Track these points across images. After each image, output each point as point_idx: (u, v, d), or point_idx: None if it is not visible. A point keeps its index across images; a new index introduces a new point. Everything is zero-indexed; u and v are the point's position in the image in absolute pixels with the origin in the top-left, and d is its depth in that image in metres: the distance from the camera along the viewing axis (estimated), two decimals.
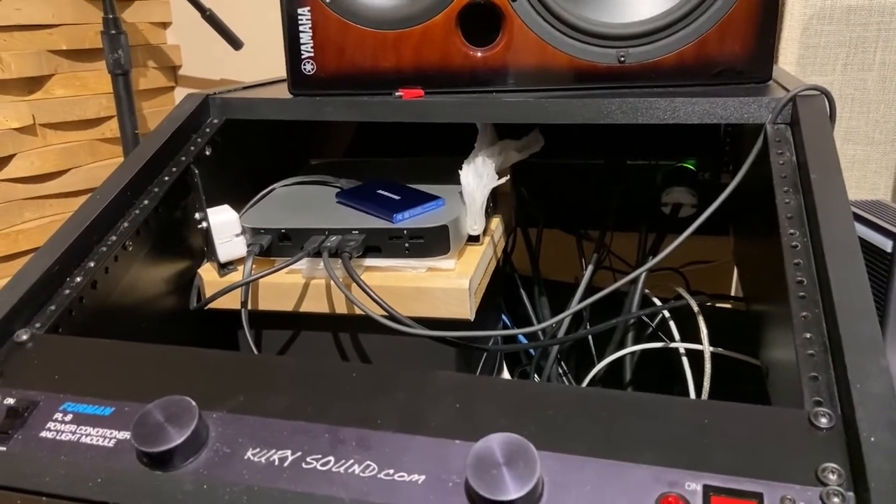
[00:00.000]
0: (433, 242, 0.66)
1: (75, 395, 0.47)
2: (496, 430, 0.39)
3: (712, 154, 0.87)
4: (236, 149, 0.77)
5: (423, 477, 0.40)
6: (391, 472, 0.40)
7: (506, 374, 0.87)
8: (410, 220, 0.68)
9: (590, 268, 0.81)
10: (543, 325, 0.65)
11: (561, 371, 0.84)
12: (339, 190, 0.75)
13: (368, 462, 0.41)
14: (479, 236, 0.72)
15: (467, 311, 0.66)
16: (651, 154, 0.87)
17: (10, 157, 1.27)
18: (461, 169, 0.71)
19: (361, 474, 0.40)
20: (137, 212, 0.63)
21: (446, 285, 0.66)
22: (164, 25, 1.56)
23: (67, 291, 0.56)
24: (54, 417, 0.46)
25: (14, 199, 1.29)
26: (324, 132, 0.97)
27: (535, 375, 0.85)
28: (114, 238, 0.61)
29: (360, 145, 0.99)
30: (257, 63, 1.45)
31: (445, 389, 0.45)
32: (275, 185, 0.79)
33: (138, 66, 1.48)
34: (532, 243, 0.88)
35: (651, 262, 0.61)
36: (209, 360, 0.50)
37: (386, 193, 0.72)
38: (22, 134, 1.28)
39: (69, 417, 0.46)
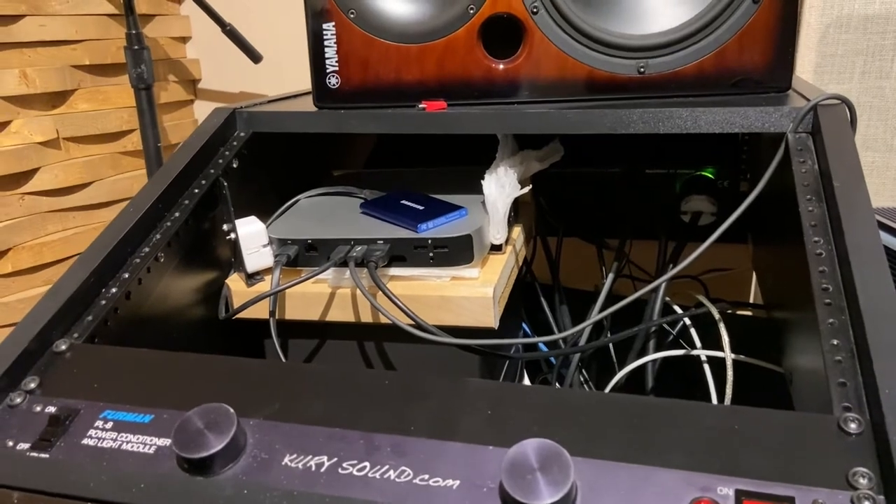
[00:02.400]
0: (457, 252, 0.67)
1: (115, 402, 0.49)
2: (529, 436, 0.40)
3: (730, 162, 0.88)
4: (262, 161, 0.78)
5: (457, 482, 0.41)
6: (426, 477, 0.41)
7: (527, 382, 0.88)
8: (434, 229, 0.69)
9: (610, 276, 0.82)
10: (566, 333, 0.66)
11: (582, 379, 0.84)
12: (363, 200, 0.76)
13: (403, 468, 0.42)
14: (501, 245, 0.73)
15: (491, 320, 0.67)
16: (669, 163, 0.88)
17: (35, 170, 1.29)
18: (483, 179, 0.72)
19: (397, 479, 0.41)
20: (169, 224, 0.65)
21: (470, 294, 0.66)
22: (184, 40, 1.58)
23: (104, 302, 0.57)
24: (95, 425, 0.47)
25: (38, 212, 1.31)
26: (346, 143, 0.99)
27: (556, 383, 0.86)
28: (147, 249, 0.62)
29: (382, 156, 1.00)
30: (276, 76, 1.47)
31: (477, 396, 0.46)
32: (300, 196, 0.80)
33: (159, 81, 1.50)
34: (552, 252, 0.89)
35: (674, 270, 0.62)
36: (244, 369, 0.51)
37: (410, 204, 0.73)
38: (46, 147, 1.31)
39: (109, 425, 0.47)
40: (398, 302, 0.63)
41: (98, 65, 1.38)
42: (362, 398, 0.47)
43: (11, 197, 1.26)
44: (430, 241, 0.67)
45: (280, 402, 0.47)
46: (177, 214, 0.66)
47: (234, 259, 0.73)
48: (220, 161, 0.71)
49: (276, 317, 0.70)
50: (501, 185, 0.70)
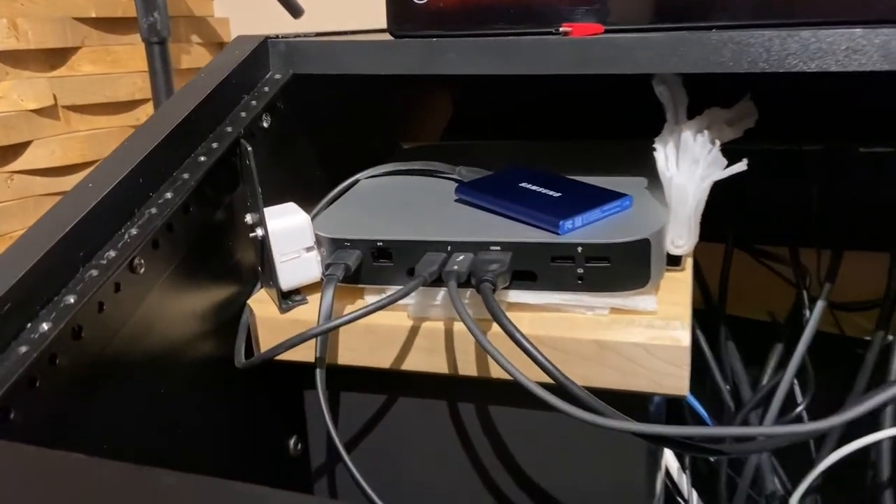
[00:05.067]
0: (625, 267, 0.41)
1: None
2: None
3: None
4: (306, 119, 0.52)
5: None
6: None
7: (679, 472, 0.60)
8: (586, 229, 0.42)
9: (819, 305, 0.54)
10: (792, 428, 0.39)
11: (774, 464, 0.57)
12: (458, 183, 0.50)
13: None
14: (680, 258, 0.46)
15: (682, 383, 0.40)
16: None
17: (26, 143, 1.06)
18: (655, 150, 0.45)
19: None
20: (153, 210, 0.39)
21: (649, 339, 0.40)
22: None
23: (24, 350, 0.32)
24: None
25: (30, 195, 1.07)
26: (421, 105, 0.72)
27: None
28: (112, 254, 0.36)
29: (466, 126, 0.74)
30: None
31: None
32: (359, 175, 0.54)
33: (179, 41, 1.26)
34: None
35: None
36: None
37: (535, 188, 0.46)
38: (40, 117, 1.07)
39: None
40: (531, 348, 0.37)
41: (107, 18, 1.13)
42: None
43: None
44: (580, 249, 0.41)
45: None
46: (168, 196, 0.40)
47: (260, 269, 0.48)
48: (243, 115, 0.46)
49: (327, 361, 0.44)
50: (694, 160, 0.43)
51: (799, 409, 0.56)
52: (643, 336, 0.40)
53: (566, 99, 0.66)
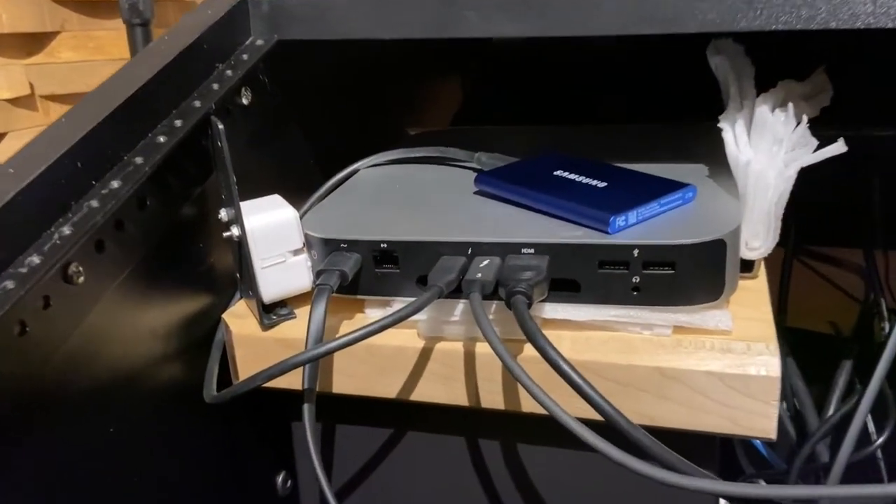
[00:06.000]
0: (694, 275, 0.32)
1: None
2: None
3: None
4: (295, 98, 0.44)
5: None
6: None
7: None
8: (641, 227, 0.34)
9: None
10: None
11: None
12: (478, 172, 0.41)
13: None
14: (752, 263, 0.37)
15: (770, 423, 0.31)
16: None
17: (1, 136, 0.98)
18: (722, 130, 0.36)
19: None
20: (95, 203, 0.30)
21: (727, 367, 0.31)
22: None
23: None
24: None
25: None
26: (429, 85, 0.64)
27: None
28: (36, 260, 0.28)
29: (482, 113, 0.65)
30: None
31: None
32: (359, 164, 0.46)
33: (167, 25, 1.18)
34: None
35: None
36: None
37: (575, 177, 0.38)
38: (16, 107, 0.99)
39: None
40: (581, 382, 0.28)
41: (89, 1, 1.05)
42: None
43: None
44: (636, 253, 0.32)
45: None
46: (115, 185, 0.31)
47: (238, 276, 0.39)
48: (216, 87, 0.37)
49: (320, 388, 0.36)
50: (777, 140, 0.34)
51: (874, 447, 0.47)
52: (719, 363, 0.31)
53: (597, 79, 0.57)
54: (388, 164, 0.47)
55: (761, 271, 0.38)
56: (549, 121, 0.55)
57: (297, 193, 0.41)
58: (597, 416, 0.28)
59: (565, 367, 0.28)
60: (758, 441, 0.55)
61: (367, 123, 0.53)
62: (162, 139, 0.33)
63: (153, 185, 0.33)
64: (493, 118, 0.63)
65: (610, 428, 0.28)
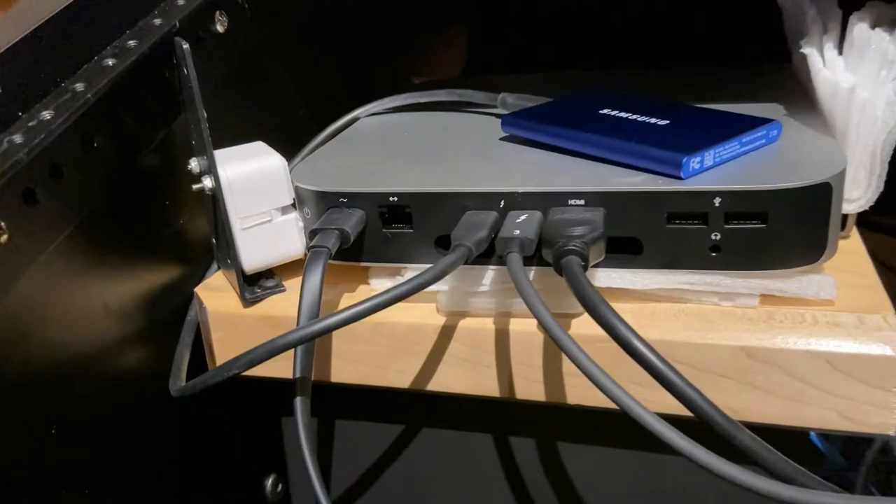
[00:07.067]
0: (791, 229, 0.25)
1: None
2: None
3: None
4: (283, 31, 0.37)
5: None
6: None
7: None
8: (720, 171, 0.27)
9: None
10: None
11: None
12: (502, 115, 0.34)
13: None
14: (845, 219, 0.30)
15: (891, 419, 0.25)
16: None
17: None
18: (805, 53, 0.30)
19: None
20: (17, 139, 0.23)
21: (836, 346, 0.24)
22: None
23: None
24: None
25: None
26: (438, 27, 0.56)
27: None
28: None
29: (494, 60, 0.58)
30: None
31: None
32: (359, 111, 0.39)
33: None
34: None
35: None
36: None
37: (627, 115, 0.31)
38: None
39: None
40: (665, 369, 0.21)
41: None
42: None
43: None
44: (716, 202, 0.25)
45: None
46: (47, 116, 0.24)
47: (214, 241, 0.32)
48: (181, 3, 0.30)
49: (317, 377, 0.29)
50: (886, 60, 0.27)
51: None
52: (825, 341, 0.25)
53: (627, 20, 0.50)
54: (393, 112, 0.40)
55: (853, 231, 0.31)
56: (574, 68, 0.48)
57: (286, 147, 0.34)
58: (671, 410, 0.22)
59: (642, 347, 0.21)
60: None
61: (367, 69, 0.46)
62: (111, 62, 0.26)
63: (100, 120, 0.26)
64: (509, 69, 0.55)
65: (698, 428, 0.21)
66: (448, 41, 0.55)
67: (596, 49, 0.51)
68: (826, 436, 0.50)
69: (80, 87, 0.25)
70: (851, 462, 0.47)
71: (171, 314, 0.32)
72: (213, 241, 0.32)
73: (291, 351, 0.26)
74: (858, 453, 0.47)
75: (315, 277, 0.26)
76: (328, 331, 0.24)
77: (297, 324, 0.26)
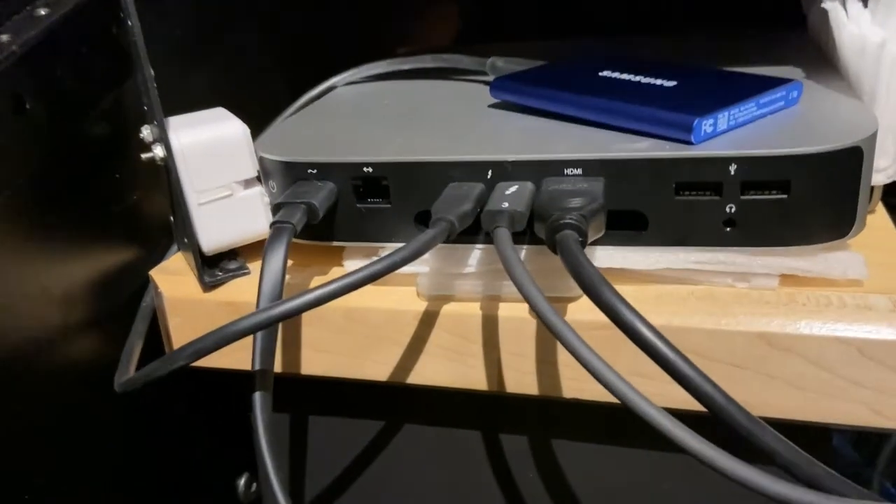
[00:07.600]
0: (816, 200, 0.22)
1: None
2: None
3: None
4: None
5: None
6: None
7: None
8: (736, 135, 0.24)
9: None
10: None
11: None
12: (491, 80, 0.31)
13: None
14: (871, 190, 0.27)
15: None
16: None
17: None
18: (828, 9, 0.26)
19: None
20: None
21: (867, 332, 0.22)
22: None
23: None
24: None
25: None
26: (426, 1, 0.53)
27: None
28: None
29: (485, 31, 0.54)
30: None
31: None
32: (335, 80, 0.36)
33: None
34: None
35: None
36: None
37: (631, 77, 0.28)
38: None
39: None
40: (665, 349, 0.18)
41: None
42: None
43: None
44: (732, 169, 0.22)
45: None
46: None
47: (172, 218, 0.29)
48: None
49: (283, 369, 0.26)
50: None
51: None
52: (855, 326, 0.22)
53: None
54: (374, 81, 0.36)
55: (879, 205, 0.28)
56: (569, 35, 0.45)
57: (256, 120, 0.30)
58: (677, 404, 0.19)
59: (649, 334, 0.18)
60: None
61: (345, 37, 0.43)
62: (42, 11, 0.23)
63: (32, 77, 0.23)
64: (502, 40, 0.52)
65: (713, 424, 0.18)
66: (437, 11, 0.52)
67: (596, 16, 0.48)
68: (839, 429, 0.48)
69: (4, 38, 0.22)
70: (864, 457, 0.44)
71: (126, 300, 0.29)
72: (171, 219, 0.29)
73: (256, 337, 0.23)
74: (871, 447, 0.44)
75: (277, 257, 0.23)
76: (288, 315, 0.21)
77: (257, 307, 0.23)
